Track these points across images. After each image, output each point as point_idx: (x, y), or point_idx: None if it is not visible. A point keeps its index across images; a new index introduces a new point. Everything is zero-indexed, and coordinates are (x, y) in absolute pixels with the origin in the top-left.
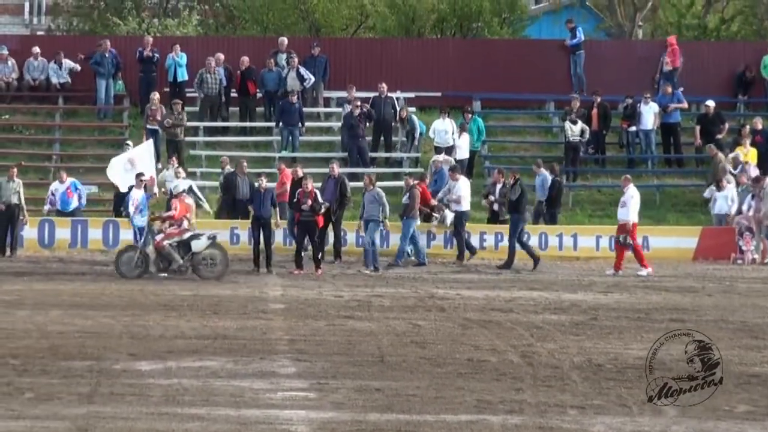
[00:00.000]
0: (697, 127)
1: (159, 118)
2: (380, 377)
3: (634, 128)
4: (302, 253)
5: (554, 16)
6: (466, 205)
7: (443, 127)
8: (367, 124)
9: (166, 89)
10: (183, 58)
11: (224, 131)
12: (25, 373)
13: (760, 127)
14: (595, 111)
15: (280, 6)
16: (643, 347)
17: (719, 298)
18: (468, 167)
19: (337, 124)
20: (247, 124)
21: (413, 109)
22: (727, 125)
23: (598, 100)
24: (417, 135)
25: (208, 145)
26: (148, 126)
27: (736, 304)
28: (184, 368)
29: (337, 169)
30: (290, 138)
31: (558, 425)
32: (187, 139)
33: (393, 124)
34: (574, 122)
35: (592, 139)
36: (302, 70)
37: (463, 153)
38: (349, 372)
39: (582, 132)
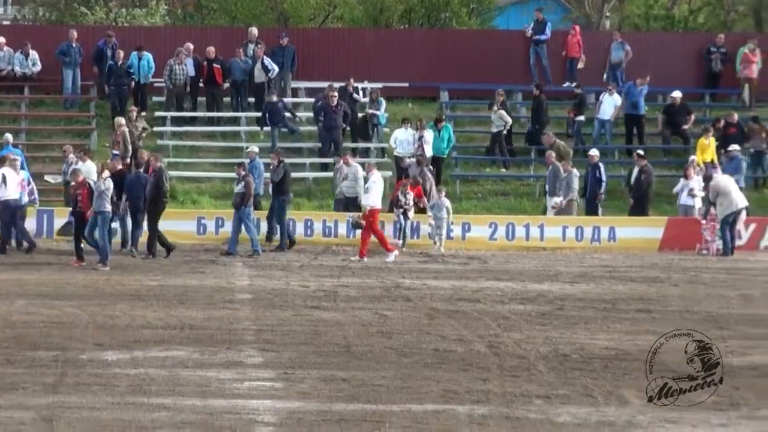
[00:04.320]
0: (660, 117)
1: (121, 144)
2: (346, 367)
3: (582, 118)
4: (80, 245)
5: (522, 7)
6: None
7: (405, 137)
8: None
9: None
10: (148, 60)
11: (192, 121)
12: None
13: (735, 119)
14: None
15: None
16: (609, 337)
17: (684, 289)
18: (436, 171)
19: (306, 114)
20: (215, 114)
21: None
22: (693, 116)
23: (536, 92)
24: (378, 122)
25: (176, 135)
26: (114, 152)
27: (701, 295)
28: (151, 358)
29: (158, 162)
30: (277, 135)
31: (524, 415)
32: (155, 129)
33: (360, 115)
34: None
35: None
36: (266, 60)
37: (428, 149)
38: (315, 362)
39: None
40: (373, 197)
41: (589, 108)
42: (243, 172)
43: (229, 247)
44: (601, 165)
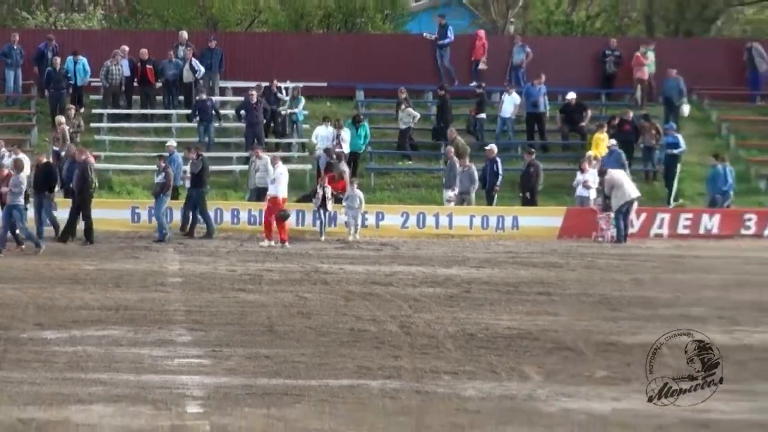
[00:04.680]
0: (559, 115)
1: (61, 140)
2: (269, 345)
3: (483, 115)
4: (15, 233)
5: (433, 12)
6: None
7: (325, 134)
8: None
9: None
10: (83, 64)
11: (127, 118)
12: None
13: (630, 117)
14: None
15: (180, 1)
16: (512, 318)
17: (581, 273)
18: (353, 165)
19: (232, 111)
20: (148, 111)
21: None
22: (590, 113)
23: (441, 93)
24: (296, 119)
25: (112, 130)
26: (54, 148)
27: (597, 279)
28: (88, 337)
29: (83, 155)
30: (205, 131)
31: (433, 390)
32: (92, 125)
33: (282, 112)
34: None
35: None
36: (194, 62)
37: (345, 146)
38: (240, 340)
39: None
40: (280, 188)
41: (494, 106)
42: (164, 164)
43: (159, 234)
44: (498, 159)
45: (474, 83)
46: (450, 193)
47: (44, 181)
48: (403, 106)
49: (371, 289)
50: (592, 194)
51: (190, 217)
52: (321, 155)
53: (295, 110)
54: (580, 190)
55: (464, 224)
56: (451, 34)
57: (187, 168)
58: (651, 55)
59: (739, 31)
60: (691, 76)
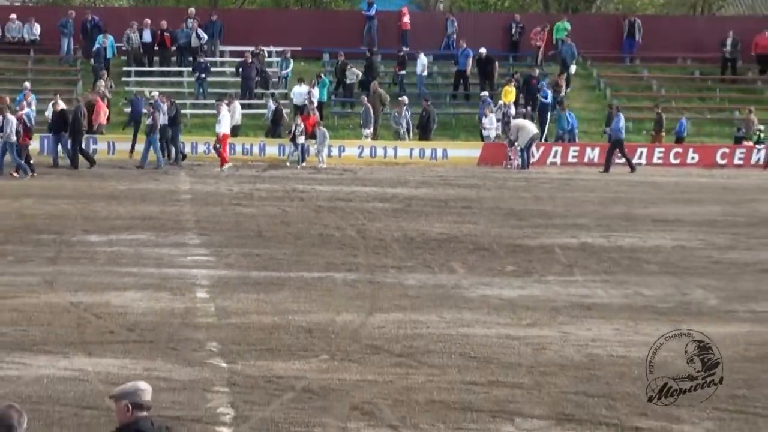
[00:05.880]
0: (476, 69)
1: (101, 95)
2: (259, 246)
3: (404, 72)
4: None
5: None
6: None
7: (300, 91)
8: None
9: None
10: (111, 42)
11: (150, 74)
12: (7, 242)
13: (536, 73)
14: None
15: None
16: (443, 226)
17: (495, 192)
18: (320, 111)
19: (230, 69)
20: (165, 68)
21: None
22: (497, 65)
23: (368, 54)
24: (286, 77)
25: (138, 84)
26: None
27: (506, 196)
28: (122, 240)
29: (78, 102)
30: (200, 85)
31: (382, 280)
32: (123, 79)
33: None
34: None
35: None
36: (200, 31)
37: (315, 100)
38: (237, 243)
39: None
40: (222, 126)
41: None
42: (152, 110)
43: (141, 162)
44: (407, 108)
45: (402, 47)
46: (367, 131)
47: (59, 123)
48: (349, 66)
49: (336, 204)
50: (492, 133)
51: (171, 148)
52: (271, 105)
53: (286, 71)
54: (485, 131)
55: (406, 155)
56: (372, 10)
57: (165, 111)
58: (567, 25)
59: (613, 9)
60: (578, 42)
